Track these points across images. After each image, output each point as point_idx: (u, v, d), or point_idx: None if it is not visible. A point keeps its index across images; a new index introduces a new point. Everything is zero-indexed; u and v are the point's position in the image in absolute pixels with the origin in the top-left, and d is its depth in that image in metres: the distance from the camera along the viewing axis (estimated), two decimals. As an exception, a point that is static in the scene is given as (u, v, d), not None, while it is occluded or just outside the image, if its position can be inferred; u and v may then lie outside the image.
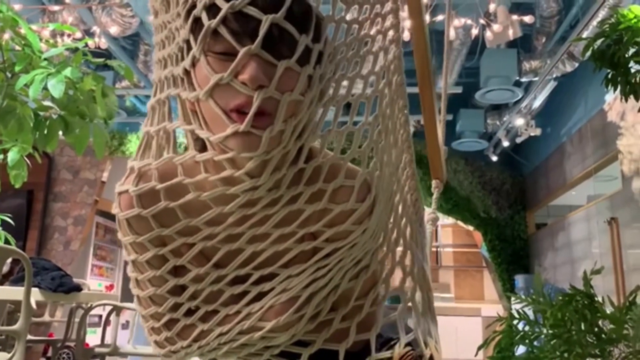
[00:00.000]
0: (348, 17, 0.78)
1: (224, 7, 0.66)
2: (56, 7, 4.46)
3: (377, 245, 0.84)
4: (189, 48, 0.70)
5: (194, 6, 0.69)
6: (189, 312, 0.79)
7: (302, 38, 0.68)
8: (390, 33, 0.90)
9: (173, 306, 0.79)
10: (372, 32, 0.85)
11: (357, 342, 0.81)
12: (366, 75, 0.83)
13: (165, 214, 0.76)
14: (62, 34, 4.23)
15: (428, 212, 1.67)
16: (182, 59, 0.72)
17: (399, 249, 0.90)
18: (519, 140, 6.61)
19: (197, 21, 0.69)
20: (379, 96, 0.84)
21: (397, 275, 0.90)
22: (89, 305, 3.57)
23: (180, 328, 0.79)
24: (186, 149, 0.81)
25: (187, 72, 0.72)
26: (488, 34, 4.49)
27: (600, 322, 2.62)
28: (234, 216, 0.74)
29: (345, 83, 0.79)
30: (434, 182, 1.79)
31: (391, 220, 0.90)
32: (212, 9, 0.67)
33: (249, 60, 0.66)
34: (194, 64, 0.70)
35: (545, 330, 2.71)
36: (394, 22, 0.91)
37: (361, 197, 0.77)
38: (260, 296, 0.77)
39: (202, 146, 0.78)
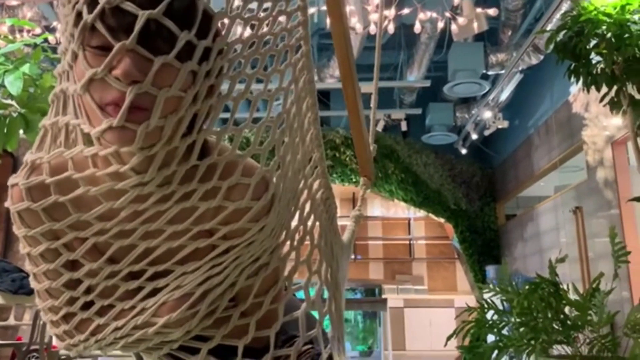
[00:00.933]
0: (245, 14, 0.78)
1: (102, 1, 0.65)
2: (15, 2, 4.35)
3: (277, 243, 0.84)
4: (73, 42, 0.70)
5: (78, 0, 0.69)
6: (86, 306, 0.79)
7: (183, 34, 0.67)
8: (299, 30, 0.90)
9: (69, 300, 0.79)
10: (276, 29, 0.84)
11: (260, 338, 0.82)
12: (268, 73, 0.83)
13: (57, 208, 0.76)
14: (21, 30, 4.12)
15: (355, 209, 1.69)
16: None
17: (306, 246, 0.90)
18: (487, 133, 6.70)
19: (79, 15, 0.68)
20: (283, 94, 0.84)
21: (304, 273, 0.91)
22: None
23: (78, 322, 0.79)
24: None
25: (70, 66, 0.72)
26: (454, 28, 4.53)
27: (565, 309, 2.68)
28: (125, 211, 0.73)
29: (243, 80, 0.79)
30: (362, 180, 1.79)
31: (296, 218, 0.90)
32: (92, 4, 0.67)
33: (124, 55, 0.66)
34: (75, 58, 0.70)
35: (513, 319, 2.77)
36: (301, 19, 0.90)
37: (257, 195, 0.77)
38: (154, 292, 0.77)
39: (90, 140, 0.77)
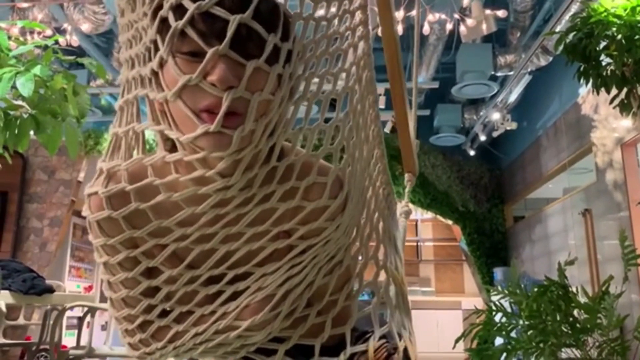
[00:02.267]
0: (316, 14, 0.78)
1: (191, 7, 0.65)
2: (26, 4, 4.38)
3: (350, 241, 0.84)
4: (157, 49, 0.69)
5: (160, 6, 0.69)
6: (163, 314, 0.79)
7: (270, 37, 0.68)
8: (360, 29, 0.90)
9: (147, 308, 0.79)
10: (341, 29, 0.85)
11: (333, 336, 0.82)
12: (336, 72, 0.83)
13: (136, 216, 0.75)
14: (32, 32, 4.15)
15: (401, 205, 1.68)
16: (150, 59, 0.72)
17: (372, 243, 0.90)
18: (495, 134, 6.67)
19: (164, 22, 0.68)
20: (349, 93, 0.84)
21: (371, 269, 0.91)
22: (63, 307, 3.52)
23: (155, 329, 0.79)
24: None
25: (155, 73, 0.71)
26: (462, 29, 4.52)
27: (574, 312, 2.67)
28: (206, 216, 0.73)
29: (315, 81, 0.79)
30: (406, 176, 1.80)
31: (364, 215, 0.90)
32: (178, 10, 0.67)
33: (218, 61, 0.66)
34: (161, 64, 0.70)
35: (521, 322, 2.76)
36: (362, 18, 0.91)
37: (334, 194, 0.78)
38: (235, 295, 0.77)
39: (172, 146, 0.77)
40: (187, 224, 0.74)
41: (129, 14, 0.77)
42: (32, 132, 2.71)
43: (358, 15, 0.90)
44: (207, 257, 0.76)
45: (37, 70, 2.44)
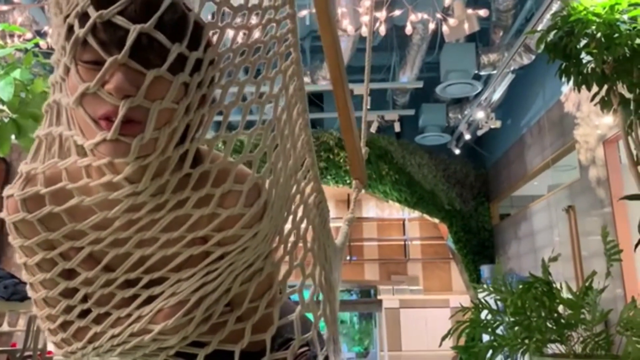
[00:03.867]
0: (235, 23, 0.78)
1: (93, 16, 0.66)
2: (5, 7, 4.33)
3: (271, 248, 0.85)
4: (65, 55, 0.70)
5: (70, 14, 0.69)
6: (83, 314, 0.80)
7: (174, 46, 0.68)
8: (288, 38, 0.90)
9: (66, 308, 0.80)
10: (266, 38, 0.85)
11: (256, 342, 0.83)
12: (259, 80, 0.84)
13: (52, 218, 0.77)
14: (11, 35, 4.10)
15: (346, 212, 1.69)
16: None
17: (298, 251, 0.90)
18: (480, 133, 6.72)
19: (71, 29, 0.68)
20: (273, 101, 0.85)
21: (298, 277, 0.91)
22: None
23: (75, 329, 0.80)
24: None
25: (62, 79, 0.72)
26: (445, 29, 4.54)
27: (559, 308, 2.69)
28: (119, 220, 0.74)
29: (234, 89, 0.80)
30: (354, 183, 1.79)
31: (289, 223, 0.91)
32: (83, 18, 0.67)
33: (116, 69, 0.66)
34: (67, 71, 0.70)
35: (507, 319, 2.77)
36: (290, 27, 0.91)
37: (250, 202, 0.78)
38: (150, 299, 0.78)
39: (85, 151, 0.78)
40: (101, 228, 0.75)
41: (57, 17, 0.76)
42: (13, 137, 2.68)
43: (287, 24, 0.91)
44: (122, 260, 0.77)
45: (17, 73, 2.41)
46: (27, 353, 3.84)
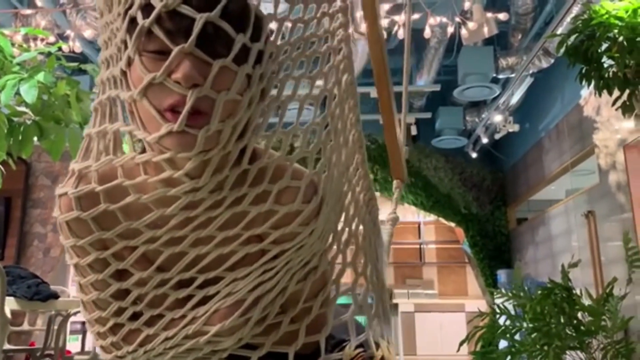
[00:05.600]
0: (292, 16, 0.78)
1: (158, 6, 0.65)
2: (29, 11, 4.40)
3: (326, 246, 0.83)
4: (126, 48, 0.70)
5: (131, 6, 0.69)
6: (134, 317, 0.78)
7: (238, 37, 0.67)
8: (340, 32, 0.89)
9: (117, 310, 0.78)
10: (320, 31, 0.84)
11: (308, 344, 0.80)
12: (314, 75, 0.82)
13: (106, 217, 0.75)
14: (35, 39, 4.16)
15: (389, 212, 1.68)
16: (120, 59, 0.72)
17: (351, 249, 0.89)
18: (497, 136, 6.67)
19: (133, 21, 0.68)
20: (327, 96, 0.83)
21: (350, 276, 0.89)
22: (68, 312, 3.52)
23: (126, 332, 0.78)
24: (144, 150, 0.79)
25: (124, 73, 0.71)
26: (464, 32, 4.52)
27: (579, 315, 2.66)
28: (176, 218, 0.73)
29: (291, 83, 0.79)
30: (395, 182, 1.78)
31: (342, 221, 0.88)
32: (147, 9, 0.67)
33: (183, 58, 0.65)
34: (129, 64, 0.70)
35: (525, 324, 2.75)
36: (343, 21, 0.90)
37: (307, 198, 0.77)
38: (205, 300, 0.76)
39: (144, 147, 0.77)
40: (157, 226, 0.73)
41: (106, 15, 0.76)
42: (35, 138, 2.72)
43: (338, 17, 0.89)
44: (177, 260, 0.75)
45: (40, 77, 2.45)
46: (46, 352, 3.89)
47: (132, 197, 0.72)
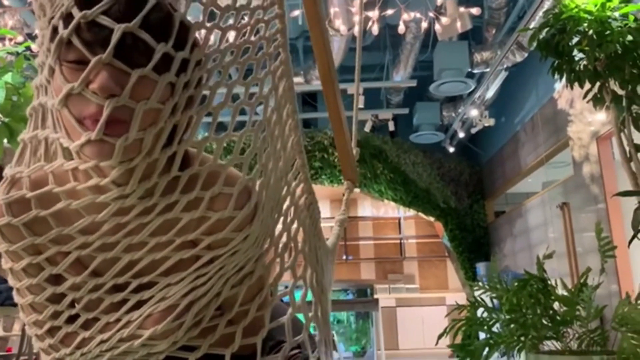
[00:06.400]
0: (222, 24, 0.78)
1: (77, 16, 0.65)
2: (-3, 11, 4.31)
3: (262, 251, 0.84)
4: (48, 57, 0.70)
5: (54, 15, 0.69)
6: (71, 320, 0.79)
7: (159, 46, 0.67)
8: (277, 38, 0.90)
9: (53, 314, 0.79)
10: (254, 38, 0.85)
11: (247, 345, 0.82)
12: (248, 81, 0.83)
13: (38, 223, 0.76)
14: (2, 39, 4.08)
15: (338, 213, 1.69)
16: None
17: (289, 253, 0.90)
18: (474, 131, 6.74)
19: (55, 30, 0.68)
20: (263, 102, 0.84)
21: (290, 278, 0.91)
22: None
23: (63, 335, 0.79)
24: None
25: (48, 81, 0.72)
26: (438, 27, 4.55)
27: (554, 305, 2.70)
28: (107, 224, 0.73)
29: (222, 90, 0.79)
30: (345, 184, 1.79)
31: (279, 225, 0.90)
32: (68, 19, 0.67)
33: (101, 69, 0.65)
34: (52, 73, 0.70)
35: (502, 316, 2.78)
36: (280, 27, 0.91)
37: (240, 204, 0.77)
38: (139, 304, 0.77)
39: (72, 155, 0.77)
40: (89, 232, 0.74)
41: (42, 19, 0.75)
42: (5, 140, 2.67)
43: (275, 24, 0.90)
44: (110, 265, 0.76)
45: (8, 77, 2.40)
46: (22, 358, 3.82)
47: (63, 203, 0.73)
